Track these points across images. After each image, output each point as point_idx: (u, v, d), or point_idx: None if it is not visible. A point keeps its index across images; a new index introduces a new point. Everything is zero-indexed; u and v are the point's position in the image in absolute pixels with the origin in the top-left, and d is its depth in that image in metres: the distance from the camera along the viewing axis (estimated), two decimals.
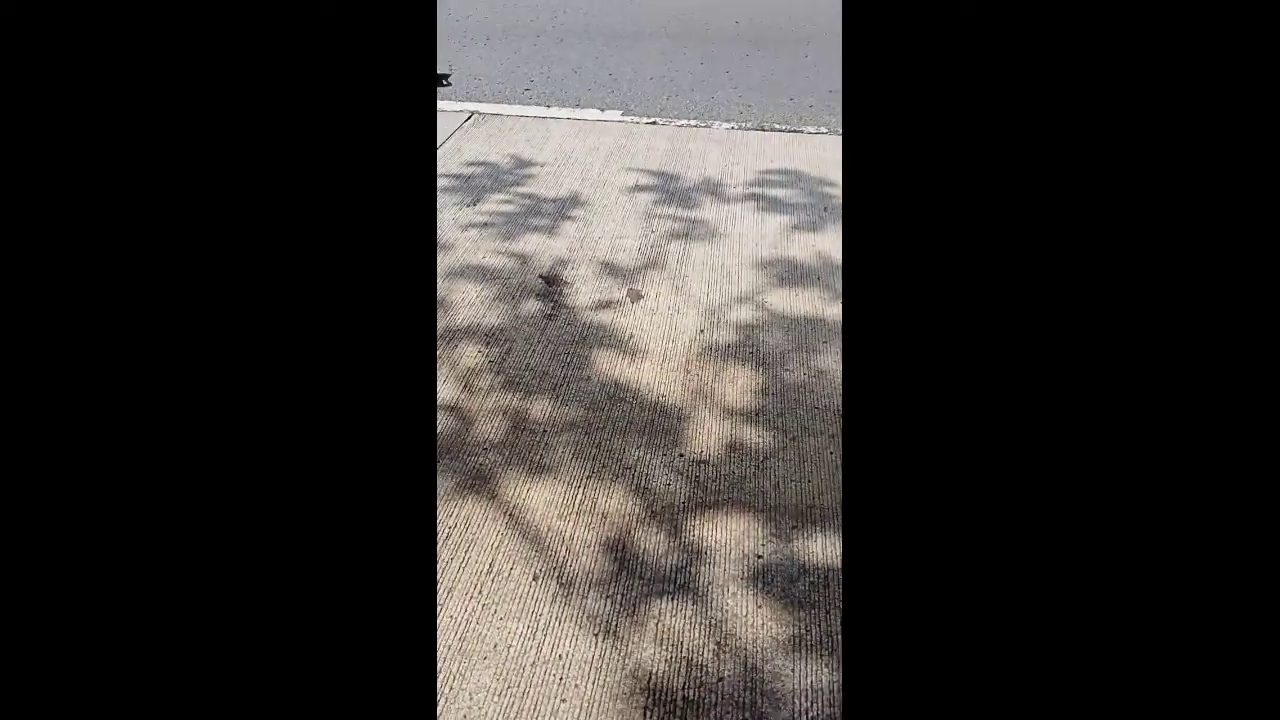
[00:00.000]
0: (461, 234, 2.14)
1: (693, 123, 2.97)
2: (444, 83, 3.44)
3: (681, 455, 1.42)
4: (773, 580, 1.19)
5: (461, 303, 1.84)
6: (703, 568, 1.21)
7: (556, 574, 1.19)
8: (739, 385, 1.59)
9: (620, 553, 1.23)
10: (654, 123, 2.95)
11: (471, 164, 2.56)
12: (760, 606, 1.15)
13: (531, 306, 1.84)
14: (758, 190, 2.41)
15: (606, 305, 1.85)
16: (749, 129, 2.90)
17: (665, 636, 1.11)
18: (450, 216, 2.23)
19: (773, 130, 2.89)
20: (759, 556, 1.23)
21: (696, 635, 1.11)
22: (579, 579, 1.19)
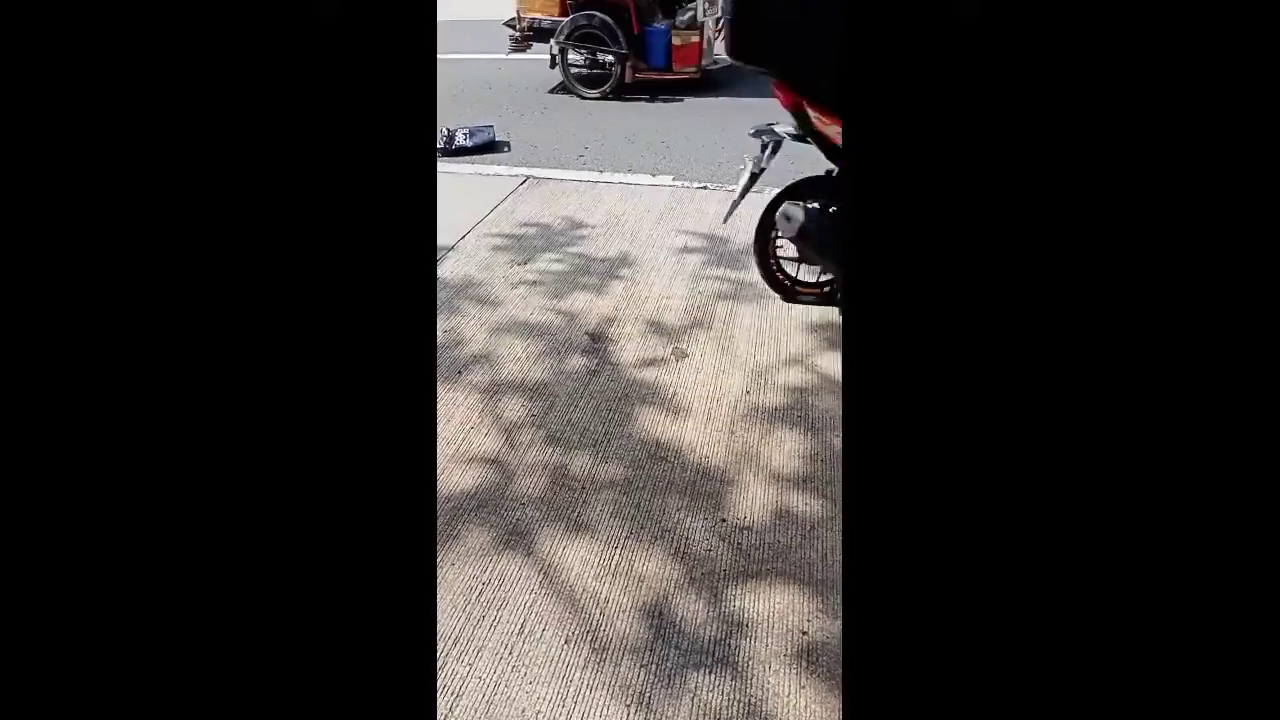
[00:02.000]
0: (511, 291, 2.20)
1: None
2: (501, 148, 3.63)
3: (724, 520, 1.37)
4: (818, 659, 1.11)
5: (508, 357, 1.87)
6: (744, 641, 1.14)
7: (590, 638, 1.15)
8: (786, 449, 1.55)
9: (657, 619, 1.18)
10: (705, 187, 3.02)
11: (524, 225, 2.66)
12: (804, 687, 1.07)
13: (577, 362, 1.85)
14: None
15: (651, 363, 1.85)
16: None
17: (702, 712, 1.04)
18: (501, 274, 2.30)
19: None
20: (804, 633, 1.15)
21: (735, 713, 1.04)
22: (613, 644, 1.14)
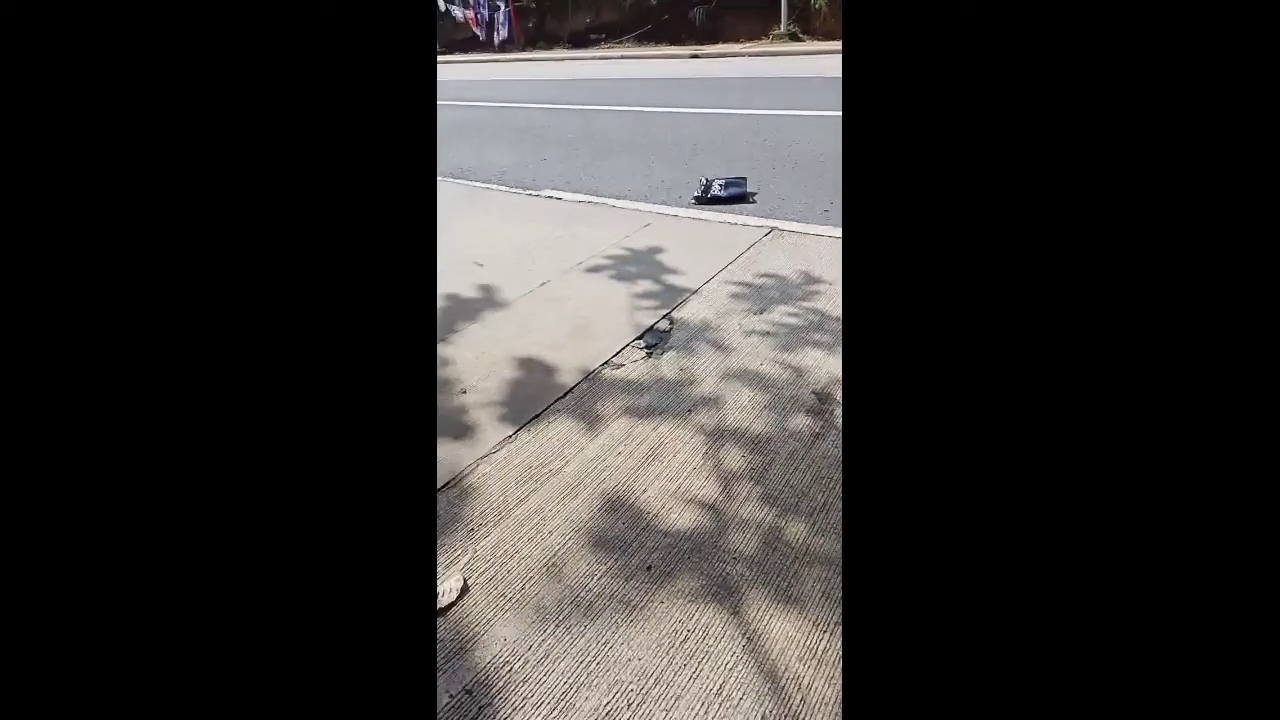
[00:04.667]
0: (745, 339, 2.22)
1: None
2: (750, 200, 3.73)
3: None
4: None
5: (734, 405, 1.89)
6: None
7: None
8: None
9: None
10: None
11: (764, 275, 2.69)
12: None
13: (801, 422, 1.80)
14: None
15: None
16: None
17: None
18: (737, 322, 2.34)
19: None
20: None
21: None
22: None
